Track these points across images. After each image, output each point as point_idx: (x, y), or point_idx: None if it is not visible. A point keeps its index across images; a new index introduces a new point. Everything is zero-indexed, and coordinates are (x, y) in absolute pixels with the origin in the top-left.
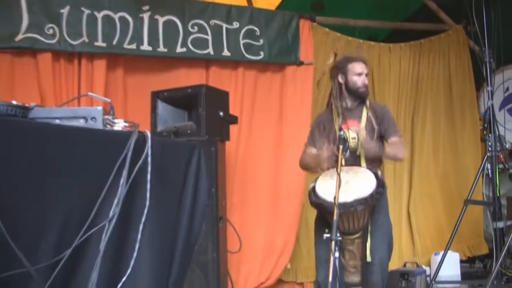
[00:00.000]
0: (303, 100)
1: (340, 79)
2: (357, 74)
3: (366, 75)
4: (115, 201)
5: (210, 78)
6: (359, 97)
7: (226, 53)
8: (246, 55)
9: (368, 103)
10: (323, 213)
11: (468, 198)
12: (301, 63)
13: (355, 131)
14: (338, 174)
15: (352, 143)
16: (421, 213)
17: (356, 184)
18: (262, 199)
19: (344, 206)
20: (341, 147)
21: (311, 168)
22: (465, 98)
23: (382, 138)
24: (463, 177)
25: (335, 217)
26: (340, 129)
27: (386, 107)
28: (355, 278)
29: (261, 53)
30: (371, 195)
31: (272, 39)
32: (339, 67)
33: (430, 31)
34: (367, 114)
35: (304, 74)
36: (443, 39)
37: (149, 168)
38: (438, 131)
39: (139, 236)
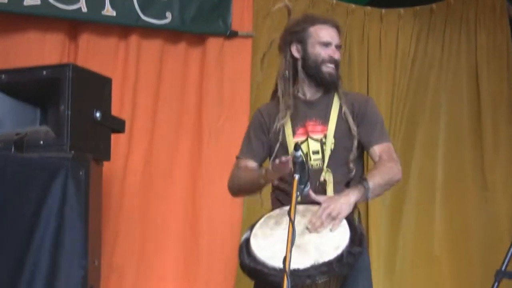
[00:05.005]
0: (236, 93)
1: (295, 51)
2: (322, 44)
3: (338, 47)
4: None
5: (80, 54)
6: (324, 82)
7: (108, 11)
8: (143, 17)
9: (341, 92)
10: (262, 285)
11: (503, 269)
12: (233, 34)
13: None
14: (291, 222)
15: (314, 160)
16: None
17: (317, 236)
18: (168, 258)
19: (295, 276)
20: (296, 176)
21: (248, 191)
22: (499, 102)
23: (361, 146)
24: (490, 229)
25: None
26: (296, 147)
27: (372, 100)
28: None
29: (168, 15)
30: (339, 259)
31: None
32: (294, 31)
33: None
34: (340, 109)
35: (237, 51)
36: (469, 3)
37: None
38: (453, 153)
39: None
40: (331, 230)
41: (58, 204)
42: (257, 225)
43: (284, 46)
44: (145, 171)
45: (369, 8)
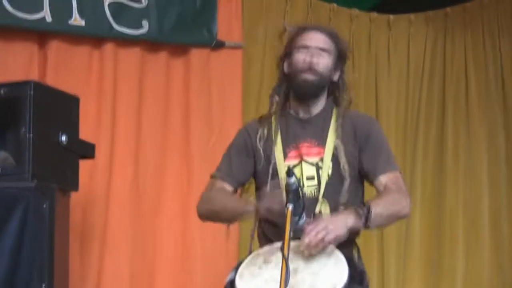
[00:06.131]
0: (227, 110)
1: (285, 66)
2: (300, 48)
3: (321, 49)
4: None
5: (49, 65)
6: (299, 92)
7: (76, 20)
8: (116, 27)
9: (340, 110)
10: None
11: None
12: (219, 45)
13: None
14: (285, 259)
15: (308, 187)
16: None
17: (311, 274)
18: None
19: None
20: (289, 207)
21: (223, 219)
22: None
23: (364, 175)
24: None
25: None
26: (289, 172)
27: (376, 121)
28: None
29: (144, 23)
30: None
31: None
32: (285, 46)
33: None
34: (336, 129)
35: (225, 64)
36: (489, 6)
37: None
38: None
39: None
40: (324, 263)
41: (14, 243)
42: (243, 265)
43: (279, 62)
44: (130, 200)
45: (375, 13)
